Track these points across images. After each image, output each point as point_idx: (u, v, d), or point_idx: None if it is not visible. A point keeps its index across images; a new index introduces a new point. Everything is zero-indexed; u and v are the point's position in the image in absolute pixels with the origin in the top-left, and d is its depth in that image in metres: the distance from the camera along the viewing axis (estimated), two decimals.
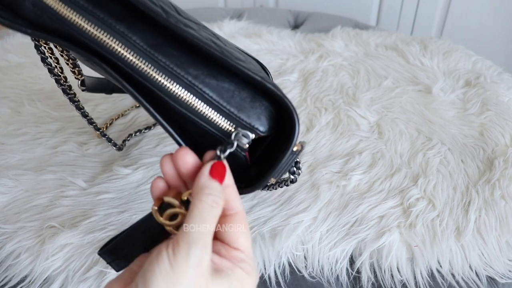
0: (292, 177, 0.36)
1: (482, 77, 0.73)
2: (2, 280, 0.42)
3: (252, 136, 0.29)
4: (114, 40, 0.27)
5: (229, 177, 0.27)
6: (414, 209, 0.48)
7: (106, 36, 0.27)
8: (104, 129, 0.60)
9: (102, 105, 0.66)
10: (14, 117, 0.63)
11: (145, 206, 0.49)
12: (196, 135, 0.30)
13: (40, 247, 0.44)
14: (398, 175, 0.53)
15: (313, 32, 0.94)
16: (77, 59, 0.42)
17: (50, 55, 0.39)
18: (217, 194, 0.25)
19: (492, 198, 0.49)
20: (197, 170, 0.27)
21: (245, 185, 0.30)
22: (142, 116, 0.63)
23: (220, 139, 0.29)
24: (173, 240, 0.24)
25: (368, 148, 0.58)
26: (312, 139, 0.60)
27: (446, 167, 0.54)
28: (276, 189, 0.39)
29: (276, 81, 0.74)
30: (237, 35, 0.89)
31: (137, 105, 0.65)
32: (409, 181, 0.52)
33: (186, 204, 0.27)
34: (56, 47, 0.38)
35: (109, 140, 0.53)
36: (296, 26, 1.05)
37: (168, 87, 0.28)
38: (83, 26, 0.27)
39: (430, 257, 0.44)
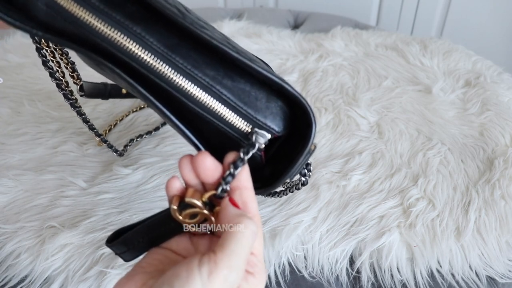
0: (303, 179, 0.36)
1: (482, 77, 0.73)
2: (2, 280, 0.42)
3: (269, 136, 0.29)
4: (131, 42, 0.27)
5: (248, 179, 0.27)
6: (414, 209, 0.48)
7: (122, 38, 0.27)
8: (105, 135, 0.60)
9: (101, 105, 0.66)
10: (14, 117, 0.63)
11: (145, 206, 0.49)
12: (212, 135, 0.30)
13: (40, 247, 0.44)
14: (398, 175, 0.53)
15: (313, 32, 0.94)
16: (75, 64, 0.42)
17: (52, 58, 0.38)
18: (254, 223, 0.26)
19: (492, 198, 0.49)
20: (216, 173, 0.27)
21: (261, 185, 0.30)
22: (142, 116, 0.63)
23: (236, 139, 0.29)
24: (209, 260, 0.23)
25: (368, 148, 0.58)
26: None
27: (446, 167, 0.54)
28: (286, 194, 0.38)
29: None
30: (237, 35, 0.89)
31: (134, 110, 0.65)
32: (409, 181, 0.52)
33: (207, 205, 0.27)
34: (56, 50, 0.37)
35: (110, 146, 0.53)
36: (296, 26, 1.05)
37: (186, 88, 0.28)
38: (99, 28, 0.26)
39: (430, 257, 0.44)
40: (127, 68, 0.27)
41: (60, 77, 0.39)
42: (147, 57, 0.27)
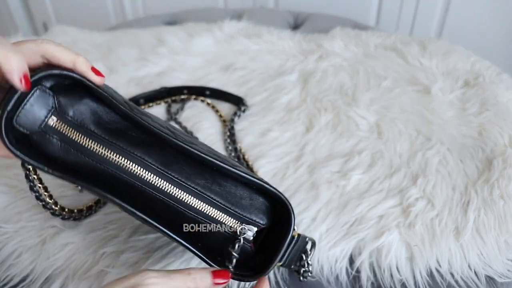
0: (302, 269, 0.40)
1: (481, 77, 0.73)
2: (3, 279, 0.43)
3: (255, 229, 0.35)
4: (133, 164, 0.33)
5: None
6: (413, 209, 0.48)
7: (125, 161, 0.32)
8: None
9: None
10: None
11: None
12: (207, 236, 0.35)
13: (41, 247, 0.44)
14: (398, 175, 0.53)
15: (312, 33, 0.94)
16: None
17: (39, 185, 0.41)
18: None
19: (491, 198, 0.49)
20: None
21: (254, 272, 0.35)
22: None
23: (227, 235, 0.35)
24: None
25: (367, 148, 0.58)
26: (312, 139, 0.60)
27: (445, 167, 0.54)
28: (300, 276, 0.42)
29: (276, 81, 0.74)
30: (237, 35, 0.90)
31: None
32: (408, 181, 0.53)
33: None
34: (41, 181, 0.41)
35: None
36: (296, 26, 1.06)
37: (181, 197, 0.33)
38: (107, 155, 0.32)
39: (429, 256, 0.44)
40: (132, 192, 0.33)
41: (46, 199, 0.43)
42: (147, 175, 0.33)
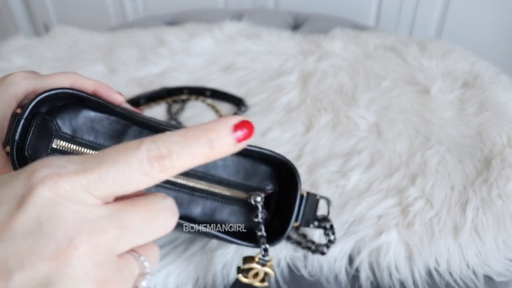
0: (326, 239, 0.43)
1: (480, 77, 0.73)
2: None
3: (263, 195, 0.36)
4: None
5: None
6: (412, 209, 0.48)
7: None
8: None
9: None
10: None
11: None
12: (224, 215, 0.37)
13: None
14: (397, 174, 0.54)
15: (312, 33, 0.94)
16: None
17: None
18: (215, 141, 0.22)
19: (490, 197, 0.50)
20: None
21: (276, 236, 0.37)
22: None
23: (239, 206, 0.37)
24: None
25: (367, 148, 0.58)
26: (312, 139, 0.60)
27: (444, 166, 0.55)
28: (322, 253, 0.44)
29: (276, 81, 0.74)
30: (237, 36, 0.90)
31: None
32: (407, 180, 0.53)
33: (260, 263, 0.36)
34: None
35: None
36: (296, 27, 1.06)
37: (186, 183, 0.35)
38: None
39: (428, 256, 0.44)
40: None
41: None
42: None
